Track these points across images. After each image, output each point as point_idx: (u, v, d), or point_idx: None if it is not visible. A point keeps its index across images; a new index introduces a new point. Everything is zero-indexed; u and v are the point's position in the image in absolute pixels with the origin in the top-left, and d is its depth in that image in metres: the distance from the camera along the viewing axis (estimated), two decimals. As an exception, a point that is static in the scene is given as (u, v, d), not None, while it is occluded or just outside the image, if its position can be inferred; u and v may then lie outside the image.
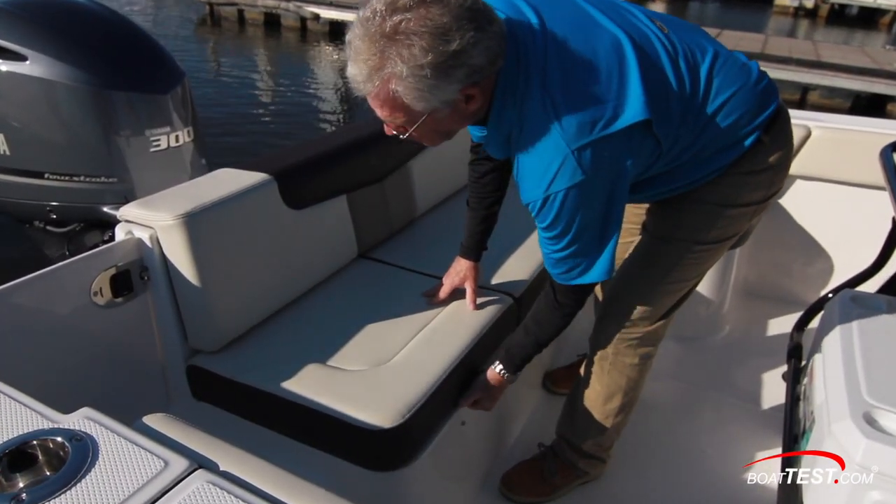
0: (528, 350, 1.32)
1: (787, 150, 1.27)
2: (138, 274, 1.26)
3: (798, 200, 2.27)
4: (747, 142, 1.18)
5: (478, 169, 1.45)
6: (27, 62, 1.99)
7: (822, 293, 1.66)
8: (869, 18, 26.39)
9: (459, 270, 1.54)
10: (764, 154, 1.22)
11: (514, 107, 1.03)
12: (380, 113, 1.00)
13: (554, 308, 1.25)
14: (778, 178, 1.28)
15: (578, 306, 1.25)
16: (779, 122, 1.23)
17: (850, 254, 2.20)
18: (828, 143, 2.15)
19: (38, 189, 2.15)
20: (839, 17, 27.01)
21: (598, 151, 1.00)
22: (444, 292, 1.53)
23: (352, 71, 0.94)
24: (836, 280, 2.22)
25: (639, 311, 1.36)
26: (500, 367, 1.35)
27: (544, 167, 1.02)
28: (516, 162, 1.08)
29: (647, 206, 1.40)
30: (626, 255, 1.40)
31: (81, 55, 2.05)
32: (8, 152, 2.11)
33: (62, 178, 2.12)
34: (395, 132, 1.06)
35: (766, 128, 1.20)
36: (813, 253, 2.30)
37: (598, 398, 1.47)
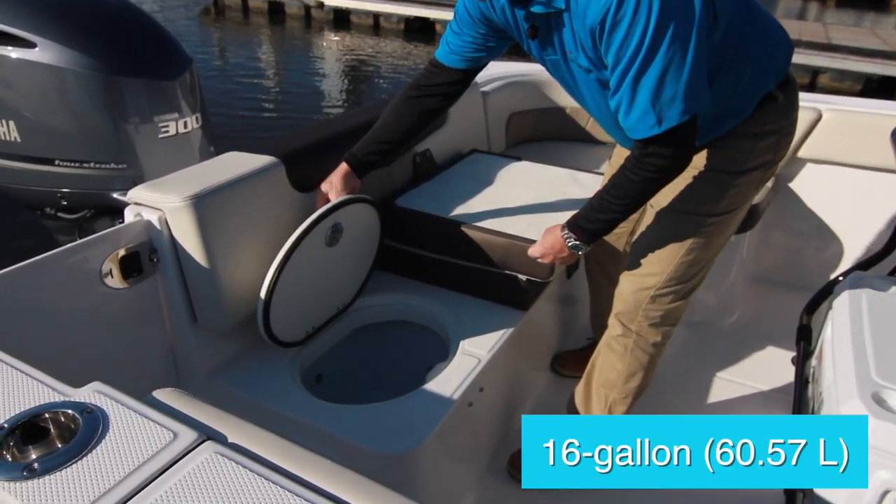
0: (601, 218, 1.26)
1: (794, 115, 1.31)
2: (147, 256, 1.27)
3: (808, 184, 2.26)
4: (765, 89, 1.23)
5: (428, 86, 1.43)
6: (36, 49, 2.00)
7: (833, 276, 1.65)
8: (880, 0, 26.04)
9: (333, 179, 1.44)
10: (775, 114, 1.25)
11: None
12: None
13: (640, 169, 1.16)
14: (783, 143, 1.31)
15: (675, 161, 1.15)
16: (791, 83, 1.28)
17: (860, 237, 2.20)
18: (838, 125, 2.13)
19: (49, 176, 2.17)
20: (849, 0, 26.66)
21: None
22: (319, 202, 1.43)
23: None
24: (847, 264, 2.21)
25: (661, 288, 1.37)
26: (567, 231, 1.30)
27: None
28: None
29: None
30: (639, 233, 1.42)
31: (90, 42, 2.06)
32: (18, 139, 2.12)
33: (72, 164, 2.13)
34: None
35: (781, 85, 1.24)
36: (823, 237, 2.29)
37: (620, 377, 1.47)
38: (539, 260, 1.40)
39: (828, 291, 1.59)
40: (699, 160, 1.28)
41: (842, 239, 2.28)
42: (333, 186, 1.42)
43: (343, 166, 1.44)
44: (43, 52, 2.00)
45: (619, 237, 1.62)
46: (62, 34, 2.02)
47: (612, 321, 1.46)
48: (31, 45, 2.01)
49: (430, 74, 1.43)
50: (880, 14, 22.24)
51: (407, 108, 1.45)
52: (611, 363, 1.47)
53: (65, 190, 2.16)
